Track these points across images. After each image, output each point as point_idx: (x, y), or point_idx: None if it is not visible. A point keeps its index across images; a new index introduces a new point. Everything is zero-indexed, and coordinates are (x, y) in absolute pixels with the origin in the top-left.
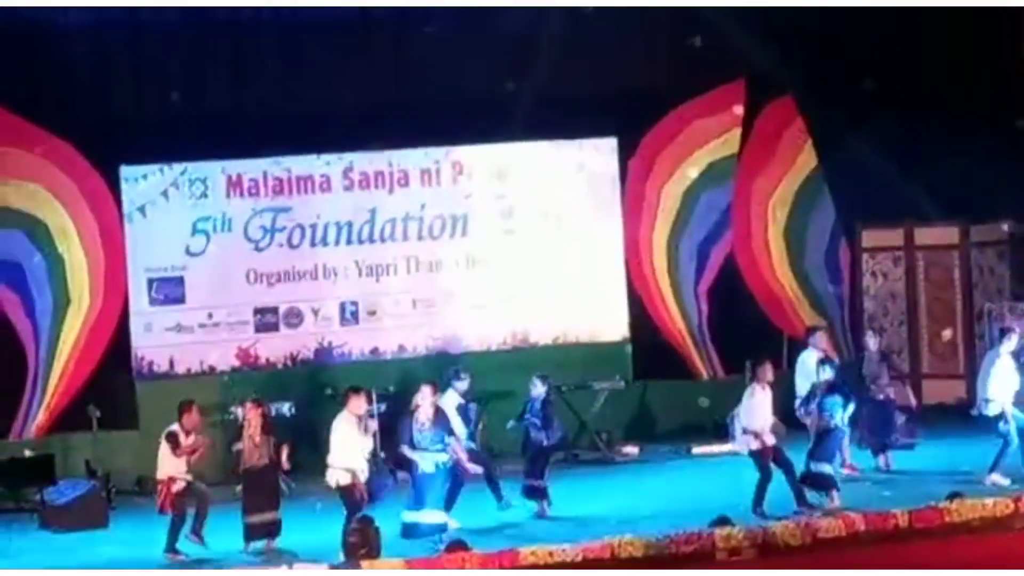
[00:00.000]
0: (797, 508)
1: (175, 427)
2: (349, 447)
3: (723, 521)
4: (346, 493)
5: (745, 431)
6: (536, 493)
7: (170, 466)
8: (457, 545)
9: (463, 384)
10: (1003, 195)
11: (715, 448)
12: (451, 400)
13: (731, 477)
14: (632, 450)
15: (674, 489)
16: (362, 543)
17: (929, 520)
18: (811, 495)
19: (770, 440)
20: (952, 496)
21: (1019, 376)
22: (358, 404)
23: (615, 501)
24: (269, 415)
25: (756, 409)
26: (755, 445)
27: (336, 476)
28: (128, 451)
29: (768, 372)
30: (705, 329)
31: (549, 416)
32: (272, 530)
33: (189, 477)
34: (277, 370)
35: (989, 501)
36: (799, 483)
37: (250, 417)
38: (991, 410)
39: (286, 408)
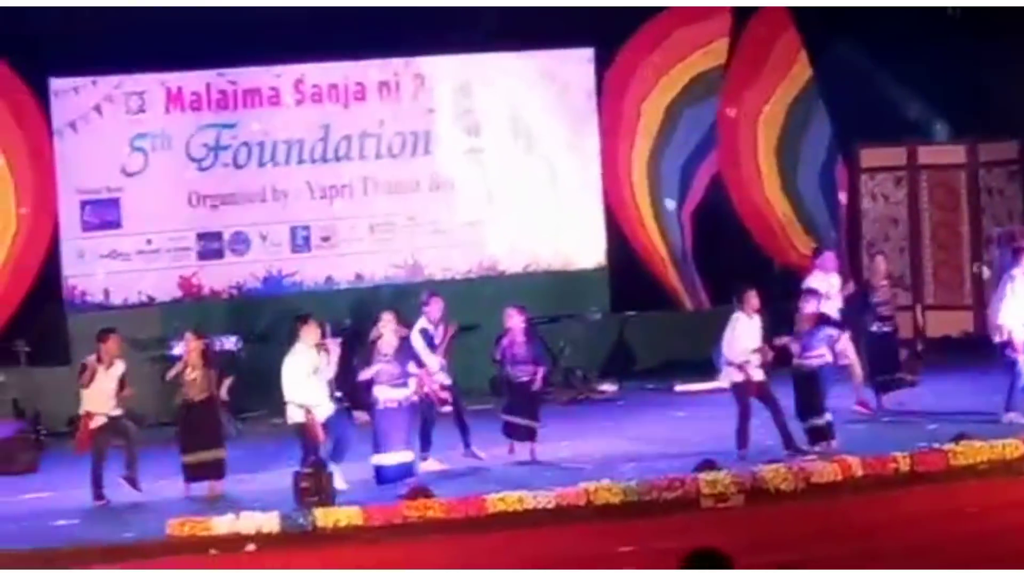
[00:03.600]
0: (785, 451)
1: (90, 357)
2: (304, 381)
3: (708, 465)
4: (302, 432)
5: (728, 363)
6: (527, 434)
7: (92, 401)
8: (419, 491)
9: (435, 309)
10: (1013, 110)
11: (700, 386)
12: (420, 328)
13: (717, 417)
14: (610, 388)
15: (655, 430)
16: (315, 489)
17: (932, 463)
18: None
19: (755, 374)
20: (958, 438)
21: None
22: (310, 334)
23: (591, 443)
24: (211, 346)
25: (739, 339)
26: (737, 378)
27: (292, 413)
28: (59, 389)
29: (753, 299)
30: (689, 256)
31: (536, 349)
32: (214, 470)
33: (114, 412)
34: (222, 300)
35: (998, 443)
36: (786, 425)
37: (189, 347)
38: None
39: (232, 342)
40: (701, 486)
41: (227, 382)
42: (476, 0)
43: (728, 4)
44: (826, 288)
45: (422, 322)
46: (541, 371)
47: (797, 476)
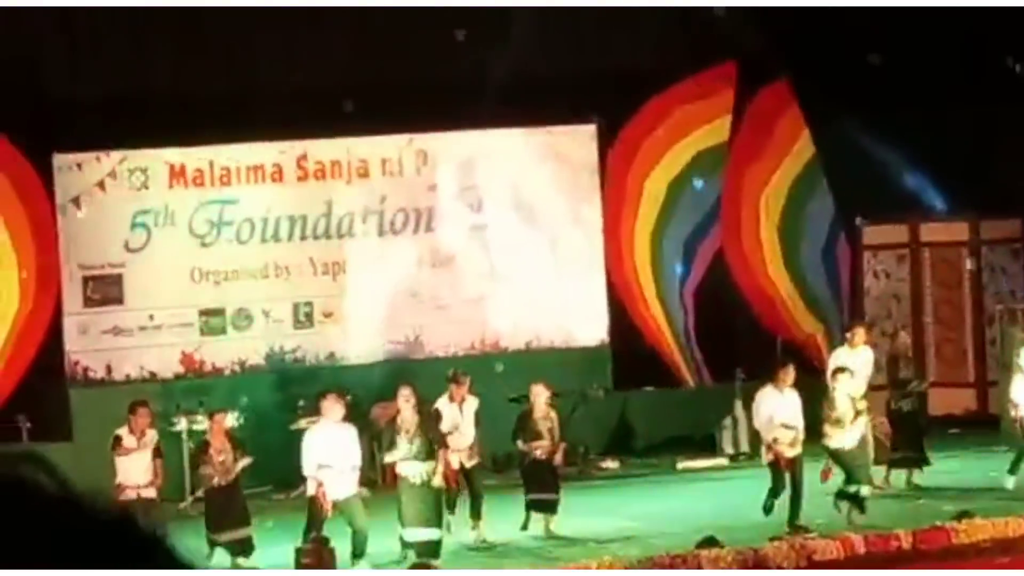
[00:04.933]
0: (787, 530)
1: (121, 429)
2: (322, 456)
3: (710, 542)
4: (311, 506)
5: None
6: (549, 506)
7: (125, 473)
8: (420, 566)
9: (461, 389)
10: (1016, 187)
11: (702, 463)
12: (443, 405)
13: (719, 494)
14: (612, 465)
15: (658, 507)
16: (316, 564)
17: (935, 541)
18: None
19: (787, 450)
20: (961, 515)
21: None
22: (331, 408)
23: (594, 520)
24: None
25: (774, 412)
26: (769, 456)
27: (310, 487)
28: (62, 464)
29: (788, 374)
30: (692, 333)
31: (560, 425)
32: (244, 548)
33: (147, 492)
34: (224, 377)
35: (1001, 521)
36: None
37: (216, 431)
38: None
39: (232, 418)
40: (703, 563)
41: (245, 462)
42: (480, 76)
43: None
44: (856, 365)
45: (443, 400)
46: (562, 445)
47: (799, 554)
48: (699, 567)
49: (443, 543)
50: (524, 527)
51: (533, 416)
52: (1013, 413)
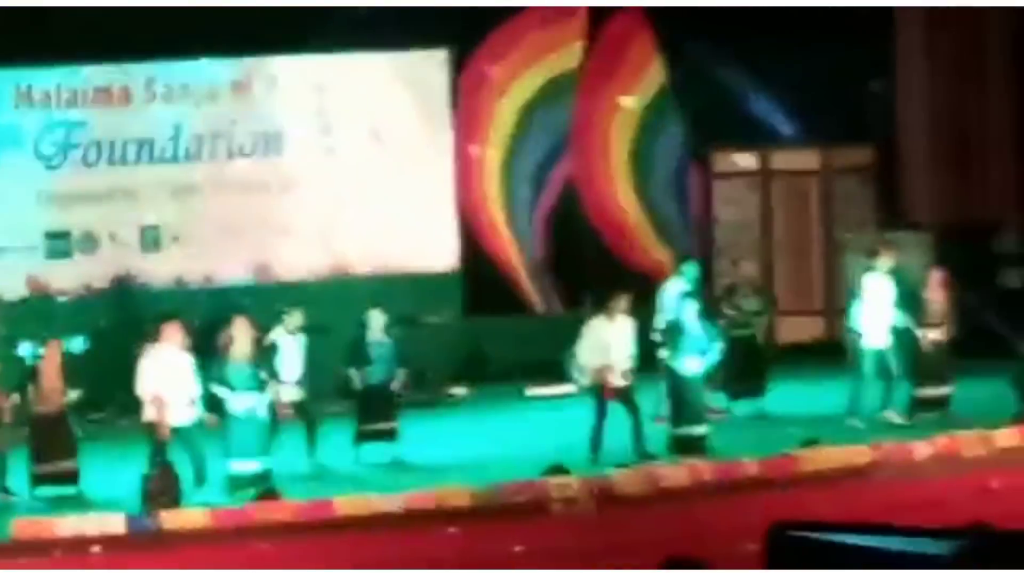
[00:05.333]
0: (636, 459)
1: None
2: (160, 380)
3: (558, 469)
4: (152, 432)
5: (584, 367)
6: (386, 435)
7: None
8: (268, 494)
9: (294, 320)
10: (868, 115)
11: (551, 390)
12: (278, 337)
13: (568, 421)
14: (460, 391)
15: (505, 434)
16: (162, 490)
17: (781, 469)
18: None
19: (615, 379)
20: (807, 443)
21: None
22: (174, 334)
23: (441, 447)
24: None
25: (601, 343)
26: (592, 381)
27: (147, 411)
28: None
29: (620, 303)
30: (542, 259)
31: (397, 351)
32: (69, 480)
33: None
34: (70, 300)
35: (847, 449)
36: (641, 430)
37: (49, 356)
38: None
39: (78, 343)
40: (550, 490)
41: (73, 395)
42: (332, 0)
43: (584, 3)
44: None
45: (279, 332)
46: (400, 372)
47: (647, 481)
48: (547, 495)
49: (274, 472)
50: (356, 459)
51: (368, 341)
52: (854, 342)
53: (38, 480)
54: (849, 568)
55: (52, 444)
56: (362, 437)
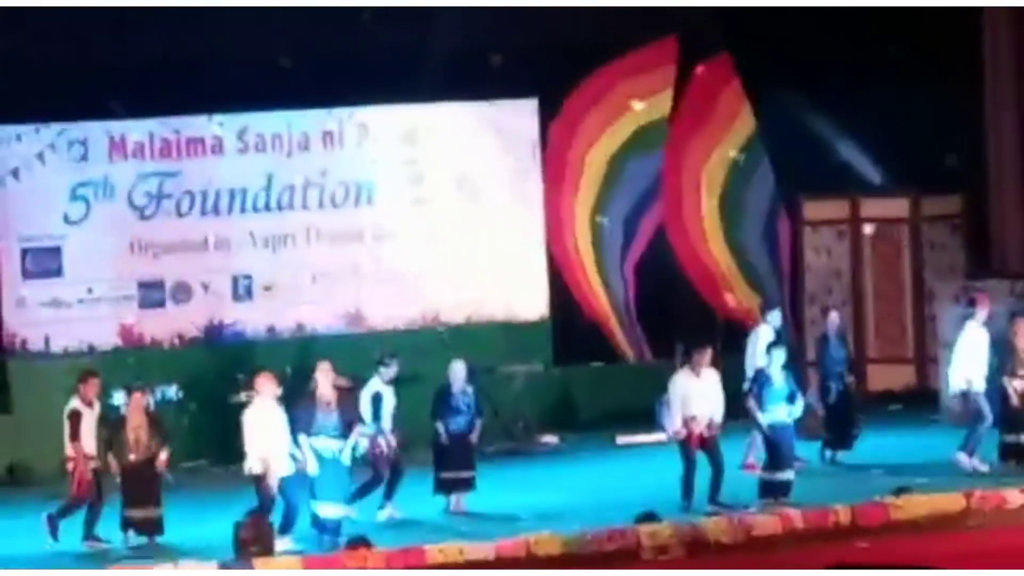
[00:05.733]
0: (709, 507)
1: (73, 402)
2: (263, 434)
3: (649, 517)
4: (258, 485)
5: (672, 418)
6: (461, 485)
7: (87, 443)
8: (358, 541)
9: (390, 371)
10: (956, 163)
11: (642, 438)
12: (373, 387)
13: (659, 469)
14: (551, 440)
15: (596, 482)
16: (254, 539)
17: (873, 517)
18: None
19: (701, 429)
20: (899, 491)
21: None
22: (269, 385)
23: (532, 495)
24: (152, 405)
25: (685, 396)
26: (683, 433)
27: (252, 464)
28: (2, 437)
29: (705, 356)
30: (632, 308)
31: (478, 401)
32: (153, 527)
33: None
34: (163, 350)
35: (938, 496)
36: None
37: (134, 405)
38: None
39: (172, 392)
40: (641, 538)
41: (164, 453)
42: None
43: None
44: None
45: (376, 383)
46: (479, 422)
47: (738, 529)
48: (638, 542)
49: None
50: (446, 509)
51: (452, 392)
52: (955, 390)
53: (126, 524)
54: None
55: (139, 491)
56: (441, 486)
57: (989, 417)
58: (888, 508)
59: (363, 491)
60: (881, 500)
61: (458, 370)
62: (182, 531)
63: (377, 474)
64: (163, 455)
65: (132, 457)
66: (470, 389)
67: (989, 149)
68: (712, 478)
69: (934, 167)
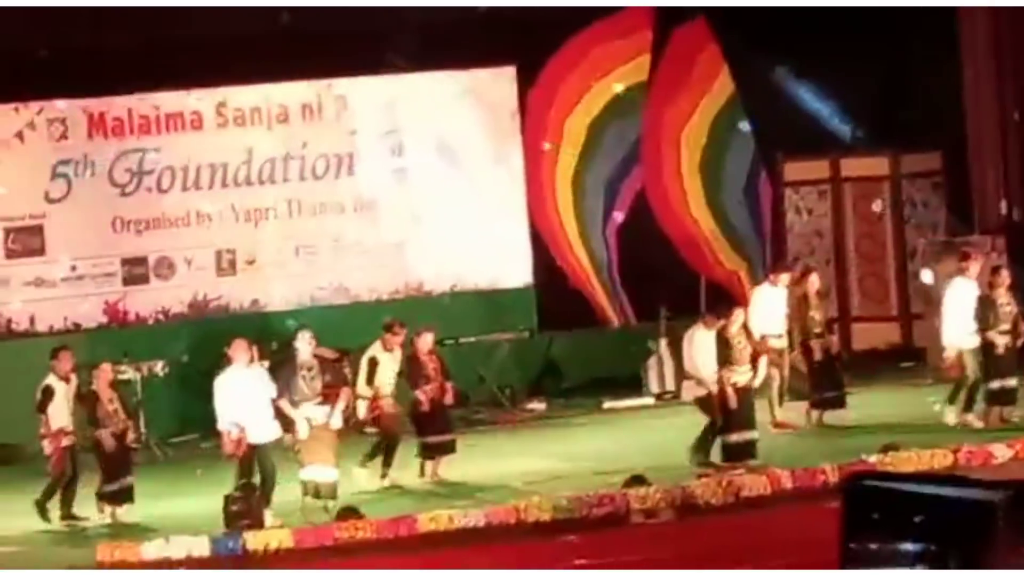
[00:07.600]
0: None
1: (48, 379)
2: (237, 402)
3: (638, 480)
4: (235, 454)
5: (687, 378)
6: (443, 449)
7: (60, 417)
8: (348, 512)
9: (396, 339)
10: (936, 120)
11: (628, 402)
12: (371, 352)
13: (646, 433)
14: (538, 406)
15: (584, 447)
16: (245, 512)
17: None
18: None
19: (714, 387)
20: (885, 449)
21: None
22: (241, 353)
23: (520, 462)
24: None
25: (702, 353)
26: (700, 392)
27: (223, 427)
28: None
29: (719, 314)
30: (615, 273)
31: (444, 366)
32: (124, 497)
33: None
34: (148, 326)
35: (926, 453)
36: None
37: (101, 380)
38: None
39: (159, 367)
40: (631, 502)
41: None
42: (397, 19)
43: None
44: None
45: (376, 348)
46: (449, 385)
47: (727, 490)
48: (627, 506)
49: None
50: (421, 473)
51: (419, 360)
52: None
53: (101, 498)
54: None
55: (115, 465)
56: (425, 450)
57: (978, 371)
58: (875, 466)
59: (375, 453)
60: (869, 458)
61: (426, 338)
62: (172, 506)
63: (385, 435)
64: (133, 427)
65: (110, 431)
66: (435, 356)
67: (967, 105)
68: (700, 436)
69: (913, 125)
